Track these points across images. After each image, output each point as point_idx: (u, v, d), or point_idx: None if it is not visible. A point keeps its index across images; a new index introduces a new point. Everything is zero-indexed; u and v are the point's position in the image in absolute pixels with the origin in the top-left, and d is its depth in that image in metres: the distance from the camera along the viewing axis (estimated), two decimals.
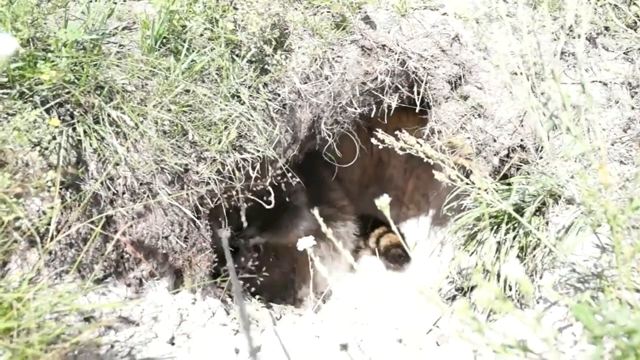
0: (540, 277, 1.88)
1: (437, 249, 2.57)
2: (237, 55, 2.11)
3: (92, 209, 1.75)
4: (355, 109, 2.48)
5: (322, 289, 2.87)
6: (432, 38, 2.46)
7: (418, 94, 2.51)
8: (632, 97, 2.27)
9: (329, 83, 2.34)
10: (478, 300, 1.01)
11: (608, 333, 1.03)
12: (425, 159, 1.91)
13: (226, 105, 2.01)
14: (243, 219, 2.11)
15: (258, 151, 2.07)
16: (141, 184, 1.84)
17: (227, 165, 2.00)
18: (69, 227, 1.66)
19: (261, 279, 2.35)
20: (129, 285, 1.80)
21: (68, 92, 1.76)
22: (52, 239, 1.58)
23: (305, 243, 1.47)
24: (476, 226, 2.16)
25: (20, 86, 1.72)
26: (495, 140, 2.36)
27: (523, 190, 2.04)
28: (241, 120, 2.03)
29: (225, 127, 2.00)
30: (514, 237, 2.00)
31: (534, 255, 1.93)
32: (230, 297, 2.10)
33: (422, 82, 2.49)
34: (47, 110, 1.73)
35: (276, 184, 2.20)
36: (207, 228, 2.04)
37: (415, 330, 1.98)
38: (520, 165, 2.27)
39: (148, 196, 1.84)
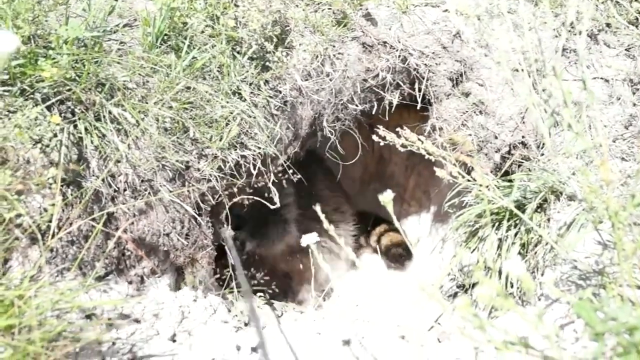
0: (542, 274, 1.88)
1: (439, 246, 2.56)
2: (238, 52, 2.11)
3: (94, 206, 1.75)
4: (357, 106, 2.48)
5: (323, 288, 2.86)
6: (434, 35, 2.46)
7: (419, 90, 2.51)
8: (634, 93, 2.27)
9: (330, 80, 2.34)
10: (479, 297, 1.01)
11: (610, 330, 1.03)
12: (427, 156, 1.91)
13: (227, 102, 2.01)
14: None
15: (259, 148, 2.07)
16: (142, 181, 1.84)
17: (228, 162, 2.00)
18: (70, 224, 1.66)
19: (261, 281, 2.34)
20: (130, 282, 1.80)
21: (69, 90, 1.76)
22: (53, 236, 1.58)
23: (309, 239, 1.47)
24: (477, 223, 2.16)
25: (22, 83, 1.72)
26: (496, 137, 2.35)
27: (524, 187, 2.04)
28: (242, 117, 2.03)
29: (227, 124, 2.00)
30: (516, 234, 2.00)
31: (536, 252, 1.93)
32: (231, 293, 2.10)
33: (423, 79, 2.49)
34: (48, 108, 1.73)
35: (277, 180, 2.20)
36: (208, 225, 2.04)
37: (416, 327, 1.98)
38: (522, 162, 2.27)
39: (149, 193, 1.84)
